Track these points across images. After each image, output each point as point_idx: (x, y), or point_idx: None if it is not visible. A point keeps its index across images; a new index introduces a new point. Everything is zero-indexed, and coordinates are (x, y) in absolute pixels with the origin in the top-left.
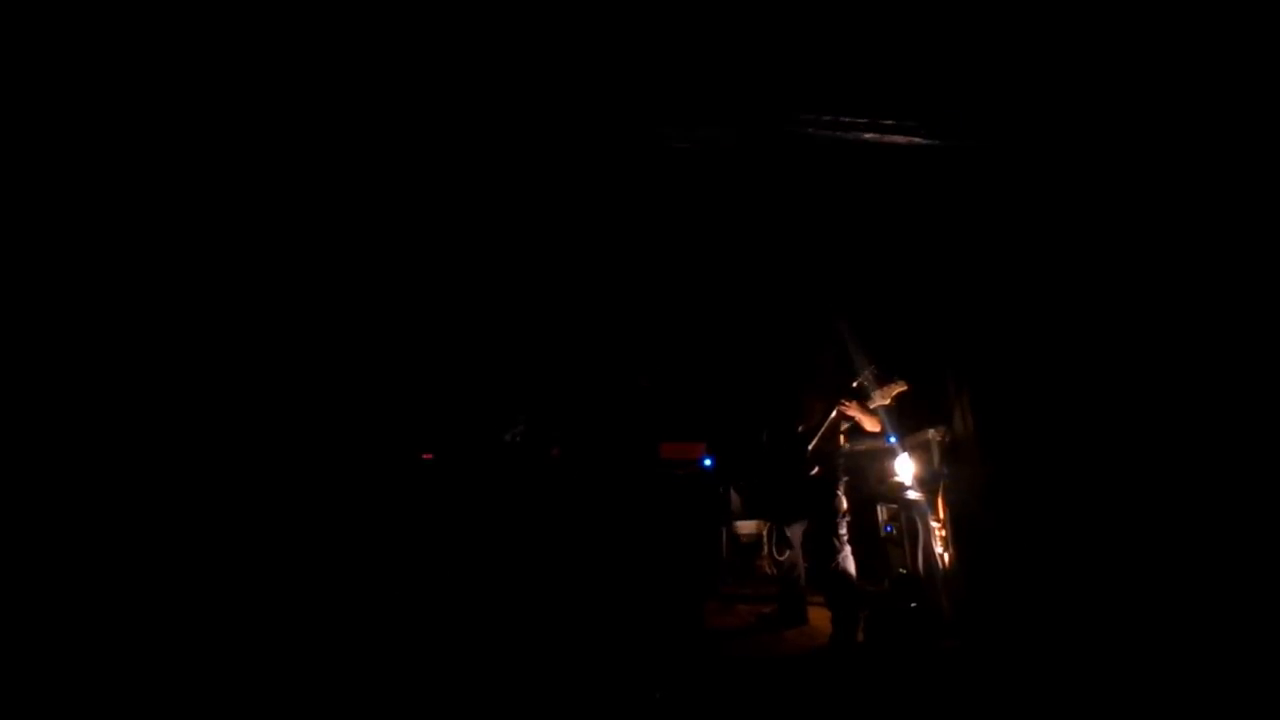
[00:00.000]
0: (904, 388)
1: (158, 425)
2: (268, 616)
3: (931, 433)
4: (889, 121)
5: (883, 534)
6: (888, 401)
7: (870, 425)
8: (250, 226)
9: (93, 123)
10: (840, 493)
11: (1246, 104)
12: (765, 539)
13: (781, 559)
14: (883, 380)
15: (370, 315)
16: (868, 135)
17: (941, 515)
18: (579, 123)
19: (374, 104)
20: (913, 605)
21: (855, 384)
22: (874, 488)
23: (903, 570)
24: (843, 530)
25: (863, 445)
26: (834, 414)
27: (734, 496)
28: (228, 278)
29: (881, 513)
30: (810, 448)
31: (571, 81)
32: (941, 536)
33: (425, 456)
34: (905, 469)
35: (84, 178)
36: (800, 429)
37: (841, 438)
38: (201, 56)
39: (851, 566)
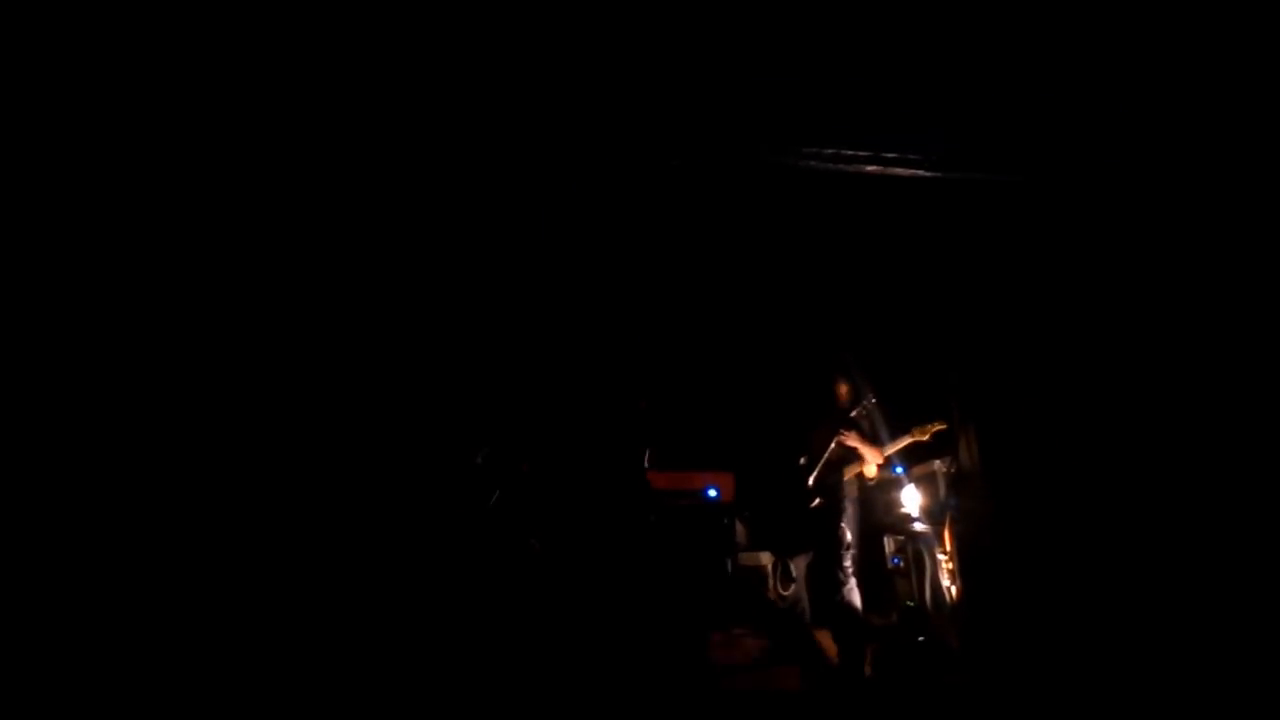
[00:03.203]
0: (942, 425)
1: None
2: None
3: (937, 464)
4: (891, 154)
5: (890, 566)
6: (926, 438)
7: (871, 456)
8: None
9: (93, 123)
10: (844, 525)
11: (1238, 148)
12: (770, 572)
13: (786, 593)
14: (879, 409)
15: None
16: (870, 168)
17: (948, 547)
18: (588, 151)
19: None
20: (920, 639)
21: (855, 414)
22: (880, 519)
23: (910, 603)
24: (847, 562)
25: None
26: (834, 445)
27: (739, 528)
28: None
29: (888, 544)
30: (812, 479)
31: (585, 111)
32: (949, 569)
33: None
34: (912, 500)
35: (84, 178)
36: (802, 461)
37: (847, 472)
38: (201, 56)
39: (857, 599)
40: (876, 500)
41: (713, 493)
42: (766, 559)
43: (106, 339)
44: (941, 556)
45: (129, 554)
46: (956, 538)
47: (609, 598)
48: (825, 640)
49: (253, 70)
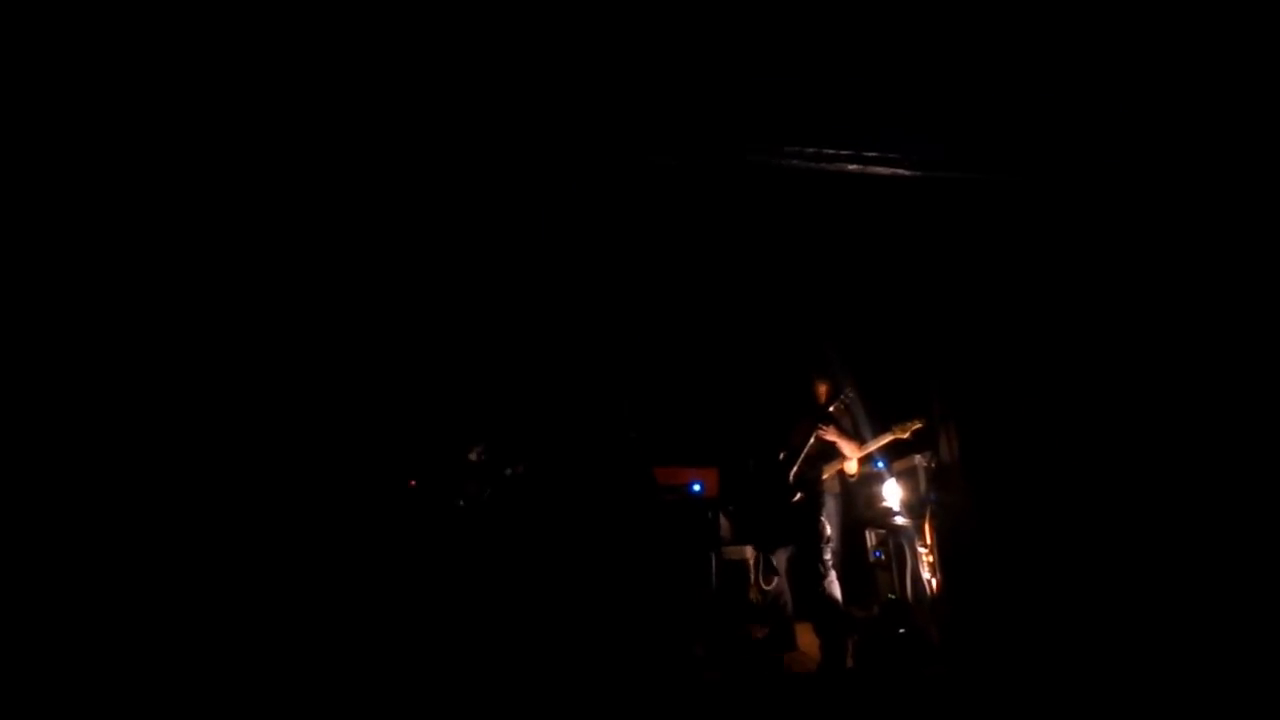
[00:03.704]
0: (920, 424)
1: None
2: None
3: (918, 458)
4: (872, 154)
5: (871, 559)
6: (906, 435)
7: (849, 451)
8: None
9: (93, 123)
10: (823, 518)
11: (1218, 149)
12: (752, 567)
13: (768, 587)
14: (859, 403)
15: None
16: (851, 167)
17: (929, 541)
18: (571, 150)
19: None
20: (901, 631)
21: (833, 408)
22: (862, 513)
23: (891, 595)
24: (827, 555)
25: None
26: (813, 439)
27: (724, 522)
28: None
29: (870, 538)
30: (792, 473)
31: (567, 110)
32: (929, 562)
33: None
34: (893, 494)
35: (84, 178)
36: (782, 455)
37: (828, 468)
38: (200, 55)
39: (838, 592)
40: (858, 494)
41: (697, 487)
42: (750, 553)
43: (101, 337)
44: (922, 550)
45: (123, 550)
46: (937, 531)
47: (596, 591)
48: (807, 633)
49: (251, 70)
